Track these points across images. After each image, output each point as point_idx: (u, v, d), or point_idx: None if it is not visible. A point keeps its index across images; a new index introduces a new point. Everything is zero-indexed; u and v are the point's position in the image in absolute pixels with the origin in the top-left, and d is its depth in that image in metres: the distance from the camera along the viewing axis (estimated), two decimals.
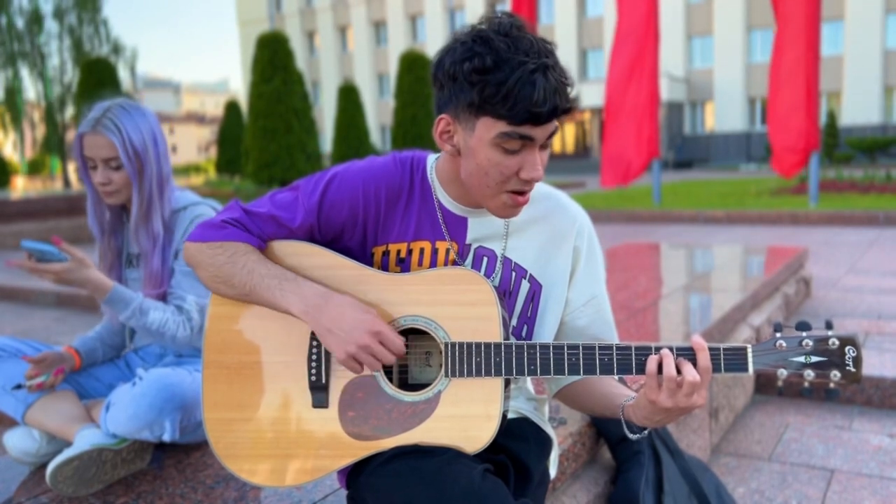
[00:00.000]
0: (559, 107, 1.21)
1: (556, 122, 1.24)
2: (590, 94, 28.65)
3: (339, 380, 1.35)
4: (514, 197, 1.30)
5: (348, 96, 23.22)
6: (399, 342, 1.28)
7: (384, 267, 1.41)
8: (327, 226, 1.40)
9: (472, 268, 1.41)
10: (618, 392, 1.39)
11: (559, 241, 1.45)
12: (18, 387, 1.88)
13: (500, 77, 1.18)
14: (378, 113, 41.19)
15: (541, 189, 1.46)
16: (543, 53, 1.20)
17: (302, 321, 1.31)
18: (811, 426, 3.10)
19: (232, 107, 32.88)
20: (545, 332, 1.45)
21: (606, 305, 1.51)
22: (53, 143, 36.22)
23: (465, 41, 1.22)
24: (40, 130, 39.17)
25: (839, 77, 30.50)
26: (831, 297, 5.25)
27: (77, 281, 1.83)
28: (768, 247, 5.80)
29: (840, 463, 2.73)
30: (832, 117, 27.18)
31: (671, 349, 1.25)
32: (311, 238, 1.41)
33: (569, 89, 1.23)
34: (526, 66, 1.17)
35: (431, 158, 1.45)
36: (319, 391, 1.35)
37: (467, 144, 1.27)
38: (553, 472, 1.61)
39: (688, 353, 1.24)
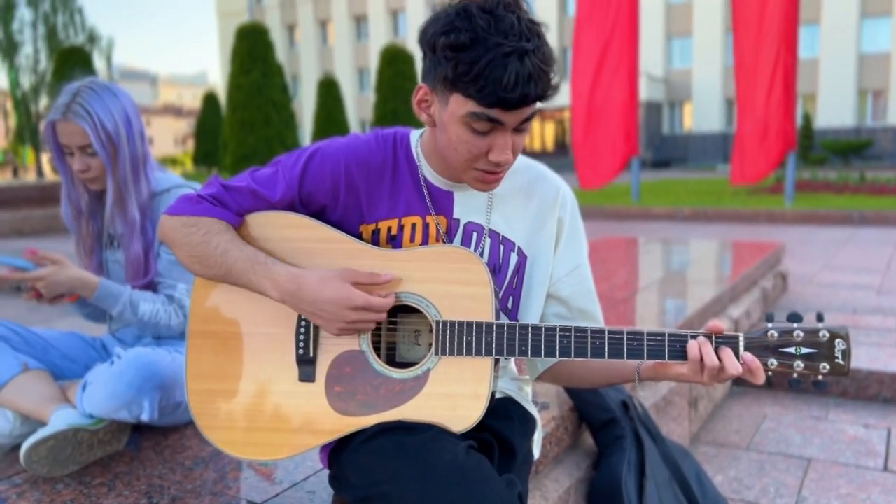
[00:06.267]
0: (530, 94, 1.17)
1: (531, 108, 1.21)
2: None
3: (327, 354, 1.33)
4: (483, 175, 1.28)
5: (328, 90, 23.10)
6: (381, 301, 1.27)
7: (375, 244, 1.39)
8: (308, 200, 1.38)
9: (462, 243, 1.40)
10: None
11: (543, 211, 1.44)
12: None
13: (473, 56, 1.14)
14: (358, 107, 40.97)
15: (521, 160, 1.45)
16: (525, 36, 1.16)
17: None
18: (788, 416, 3.13)
19: (210, 99, 32.56)
20: (532, 305, 1.44)
21: (589, 276, 1.50)
22: (26, 134, 35.57)
23: (448, 13, 1.19)
24: (13, 120, 38.47)
25: (815, 80, 30.90)
26: (808, 292, 5.31)
27: (63, 282, 1.79)
28: (746, 242, 5.86)
29: (816, 452, 2.76)
30: (807, 119, 27.53)
31: (664, 334, 1.26)
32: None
33: (549, 76, 1.18)
34: (501, 49, 1.13)
35: (416, 134, 1.43)
36: (307, 365, 1.33)
37: (441, 117, 1.25)
38: (536, 453, 1.60)
39: (681, 339, 1.26)
